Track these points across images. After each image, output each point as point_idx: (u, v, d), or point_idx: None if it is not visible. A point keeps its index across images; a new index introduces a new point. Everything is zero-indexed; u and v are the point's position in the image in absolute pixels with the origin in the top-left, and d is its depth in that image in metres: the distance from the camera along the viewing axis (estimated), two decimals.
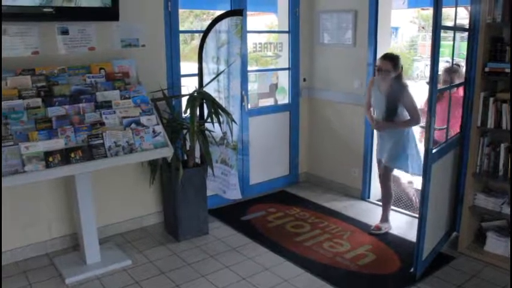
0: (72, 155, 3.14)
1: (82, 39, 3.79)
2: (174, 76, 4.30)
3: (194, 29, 4.60)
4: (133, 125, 3.44)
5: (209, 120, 3.89)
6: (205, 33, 4.17)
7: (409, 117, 3.95)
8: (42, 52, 3.61)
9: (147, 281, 3.43)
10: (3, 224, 3.57)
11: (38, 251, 3.81)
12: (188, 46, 5.19)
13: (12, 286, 3.37)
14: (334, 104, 5.17)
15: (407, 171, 4.21)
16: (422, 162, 3.49)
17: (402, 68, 3.97)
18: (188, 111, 3.81)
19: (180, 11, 4.38)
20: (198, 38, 4.25)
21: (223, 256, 3.80)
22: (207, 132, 4.02)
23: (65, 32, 3.71)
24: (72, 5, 3.56)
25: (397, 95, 3.93)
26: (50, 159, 3.05)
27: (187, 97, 3.91)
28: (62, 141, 3.14)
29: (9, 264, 3.66)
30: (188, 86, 4.22)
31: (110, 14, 3.74)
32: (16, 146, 2.98)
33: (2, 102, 3.12)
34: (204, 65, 4.21)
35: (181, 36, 4.51)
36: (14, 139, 3.01)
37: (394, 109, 3.97)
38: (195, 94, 3.94)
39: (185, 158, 4.10)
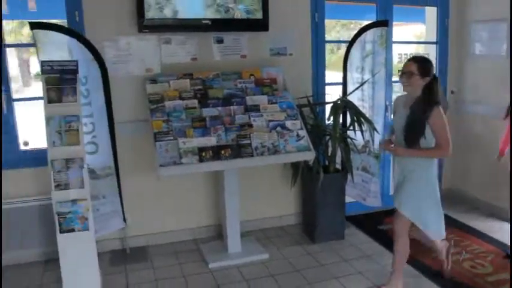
0: (222, 152, 3.40)
1: (235, 48, 4.09)
2: (319, 84, 4.42)
3: (340, 39, 4.67)
4: (278, 128, 3.62)
5: (351, 128, 3.92)
6: (351, 43, 4.22)
7: (436, 145, 2.97)
8: (200, 59, 4.00)
9: (281, 276, 3.59)
10: (164, 209, 4.08)
11: (188, 236, 4.25)
12: (334, 55, 5.27)
13: (166, 262, 3.85)
14: (484, 118, 4.84)
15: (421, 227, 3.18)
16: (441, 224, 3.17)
17: (436, 78, 3.00)
18: (331, 118, 3.89)
19: (327, 20, 4.48)
20: (344, 47, 4.30)
21: (356, 261, 3.80)
22: (348, 139, 4.04)
23: (220, 41, 4.03)
24: (228, 17, 3.86)
25: (423, 112, 2.92)
26: (203, 154, 3.35)
27: (331, 105, 3.99)
28: (213, 139, 3.43)
29: (166, 244, 4.17)
30: (332, 94, 4.32)
31: (260, 25, 4.00)
32: (175, 141, 3.35)
33: (167, 102, 3.52)
34: (348, 74, 4.26)
35: (328, 46, 4.61)
36: (174, 135, 3.37)
37: (416, 131, 2.95)
38: (339, 102, 4.00)
39: (326, 163, 4.17)
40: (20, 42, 4.97)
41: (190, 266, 3.76)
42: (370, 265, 3.72)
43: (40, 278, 3.68)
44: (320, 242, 4.10)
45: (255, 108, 3.69)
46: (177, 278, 3.60)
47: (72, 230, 3.34)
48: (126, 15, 3.78)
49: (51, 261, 3.79)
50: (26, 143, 3.88)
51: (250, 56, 4.11)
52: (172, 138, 3.37)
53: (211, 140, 3.42)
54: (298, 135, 3.62)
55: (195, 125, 3.47)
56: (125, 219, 3.86)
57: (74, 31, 3.61)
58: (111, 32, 3.79)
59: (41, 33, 3.46)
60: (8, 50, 3.82)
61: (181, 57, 3.95)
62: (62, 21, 3.78)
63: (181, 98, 3.61)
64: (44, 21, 3.50)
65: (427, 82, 2.95)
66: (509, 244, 3.95)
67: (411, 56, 3.24)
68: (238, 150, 3.45)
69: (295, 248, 4.06)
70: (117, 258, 3.92)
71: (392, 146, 3.14)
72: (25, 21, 4.79)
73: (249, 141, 3.50)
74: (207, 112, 3.56)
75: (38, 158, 3.72)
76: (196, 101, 3.62)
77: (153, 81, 3.72)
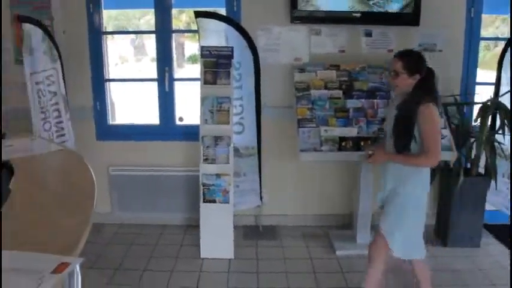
0: (362, 143, 3.46)
1: (383, 42, 4.08)
2: (468, 83, 4.23)
3: (498, 36, 4.37)
4: None
5: (500, 131, 3.71)
6: (510, 40, 3.96)
7: (422, 151, 2.58)
8: (348, 51, 4.07)
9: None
10: (298, 193, 4.30)
11: (317, 222, 4.38)
12: (489, 53, 4.95)
13: (294, 243, 4.05)
14: None
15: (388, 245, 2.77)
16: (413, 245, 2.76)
17: (432, 73, 2.69)
18: (479, 119, 3.72)
19: (484, 15, 4.25)
20: (501, 44, 4.05)
21: (491, 272, 3.61)
22: (496, 143, 3.83)
23: (368, 34, 4.06)
24: (378, 10, 3.86)
25: (411, 113, 2.55)
26: (343, 143, 3.47)
27: (480, 106, 3.80)
28: (355, 130, 3.53)
29: (296, 226, 4.35)
30: (482, 94, 4.09)
31: (411, 19, 3.93)
32: (317, 129, 3.50)
33: (312, 91, 3.68)
34: (502, 74, 4.01)
35: (483, 43, 4.38)
36: (317, 122, 3.51)
37: (404, 134, 2.61)
38: (489, 103, 3.80)
39: (468, 165, 3.99)
40: (178, 28, 5.45)
41: (318, 250, 3.90)
42: (507, 278, 3.52)
43: (181, 240, 4.10)
44: (452, 247, 3.96)
45: None
46: (304, 259, 3.76)
47: (214, 201, 3.68)
48: (280, 6, 3.99)
49: (191, 227, 4.20)
50: (181, 119, 4.30)
51: (397, 51, 4.07)
52: (314, 125, 3.53)
53: (352, 131, 3.51)
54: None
55: (338, 115, 3.58)
56: (261, 198, 4.11)
57: (232, 20, 3.91)
58: (264, 21, 4.03)
59: (204, 21, 3.80)
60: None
61: (329, 48, 4.06)
62: (220, 10, 4.11)
63: (326, 88, 3.75)
64: (206, 9, 3.84)
65: (417, 80, 2.63)
66: None
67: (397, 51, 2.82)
68: (378, 143, 3.49)
69: (427, 248, 3.94)
70: (249, 233, 4.20)
71: (371, 152, 2.83)
72: (185, 9, 5.31)
73: None
74: (351, 103, 3.64)
75: (189, 133, 4.12)
76: (341, 92, 3.73)
77: (301, 70, 3.90)
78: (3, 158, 2.53)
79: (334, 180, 4.30)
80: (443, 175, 4.06)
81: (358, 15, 3.91)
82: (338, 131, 3.49)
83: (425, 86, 2.61)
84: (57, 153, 2.68)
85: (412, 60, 2.65)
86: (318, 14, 3.91)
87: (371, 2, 3.89)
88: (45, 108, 3.78)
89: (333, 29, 4.04)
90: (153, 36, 4.24)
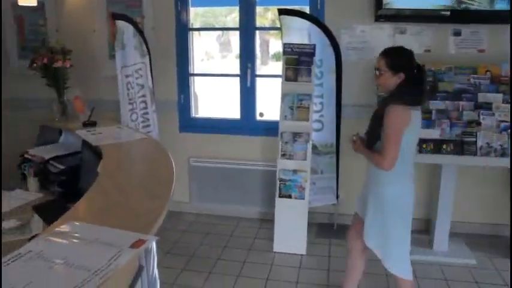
0: (444, 146, 3.34)
1: (473, 41, 3.89)
2: None
3: None
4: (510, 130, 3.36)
5: None
6: None
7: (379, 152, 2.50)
8: (433, 51, 3.93)
9: (487, 286, 3.38)
10: None
11: None
12: None
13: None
14: None
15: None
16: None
17: (421, 70, 2.53)
18: None
19: None
20: None
21: None
22: None
23: (457, 34, 3.89)
24: (469, 8, 3.69)
25: (383, 112, 2.47)
26: (424, 146, 3.36)
27: None
28: (437, 132, 3.41)
29: None
30: None
31: (504, 17, 3.70)
32: None
33: None
34: None
35: None
36: None
37: (372, 132, 2.61)
38: None
39: None
40: (262, 26, 5.55)
41: None
42: None
43: (255, 233, 4.18)
44: None
45: (487, 106, 3.49)
46: (377, 260, 3.62)
47: (289, 197, 3.72)
48: (364, 5, 3.94)
49: (266, 221, 4.28)
50: (261, 114, 4.39)
51: (489, 51, 3.87)
52: None
53: (434, 133, 3.39)
54: None
55: (424, 117, 3.46)
56: (337, 197, 4.09)
57: (315, 18, 3.92)
58: (348, 19, 4.00)
59: (287, 18, 3.85)
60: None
61: (414, 47, 3.81)
62: (303, 7, 4.13)
63: None
64: (290, 7, 3.88)
65: (402, 79, 2.47)
66: None
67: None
68: (461, 147, 3.35)
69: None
70: (323, 231, 4.19)
71: (355, 139, 2.78)
72: (269, 7, 5.38)
73: (474, 139, 3.36)
74: (434, 105, 3.51)
75: (268, 128, 4.19)
76: None
77: None
78: (94, 143, 2.74)
79: (415, 183, 4.14)
80: None
81: (447, 13, 3.76)
82: (423, 133, 3.37)
83: (410, 86, 2.47)
84: (142, 142, 2.86)
85: (396, 58, 2.52)
86: (404, 13, 3.81)
87: (469, 1, 3.72)
88: (133, 99, 4.02)
89: (419, 28, 3.92)
90: (238, 33, 4.36)
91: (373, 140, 2.60)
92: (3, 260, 1.25)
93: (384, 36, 3.96)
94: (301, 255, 3.75)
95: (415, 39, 3.94)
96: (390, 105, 2.44)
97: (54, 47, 3.75)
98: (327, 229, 4.22)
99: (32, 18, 4.72)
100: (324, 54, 3.88)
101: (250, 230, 4.23)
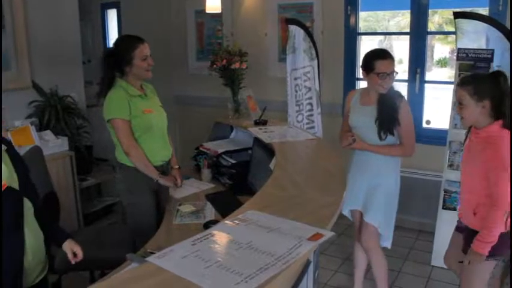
0: None
1: None
2: None
3: None
4: None
5: None
6: None
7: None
8: None
9: None
10: None
11: None
12: None
13: None
14: None
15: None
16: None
17: None
18: None
19: None
20: None
21: None
22: None
23: None
24: None
25: (394, 106, 2.75)
26: None
27: None
28: None
29: None
30: None
31: None
32: None
33: None
34: None
35: None
36: None
37: (389, 126, 2.78)
38: None
39: None
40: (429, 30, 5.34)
41: None
42: None
43: (412, 243, 4.08)
44: None
45: None
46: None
47: (454, 209, 3.54)
48: None
49: (424, 232, 4.12)
50: (428, 122, 4.23)
51: None
52: None
53: None
54: None
55: None
56: None
57: (495, 20, 3.65)
58: None
59: (463, 21, 3.65)
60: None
61: None
62: (479, 9, 3.87)
63: None
64: (466, 9, 3.67)
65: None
66: None
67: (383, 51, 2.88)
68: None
69: None
70: None
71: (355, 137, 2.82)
72: (438, 9, 5.15)
73: None
74: None
75: (435, 136, 4.03)
76: None
77: None
78: (267, 141, 2.93)
79: None
80: None
81: None
82: None
83: None
84: (311, 142, 2.98)
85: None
86: None
87: None
88: (300, 101, 4.18)
89: None
90: (401, 37, 4.25)
91: (390, 130, 2.79)
92: (191, 239, 1.43)
93: None
94: None
95: None
96: (403, 101, 2.80)
97: (232, 50, 4.07)
98: None
99: (210, 24, 5.18)
100: (503, 60, 3.59)
101: (407, 239, 4.11)
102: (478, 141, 2.31)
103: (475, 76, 2.49)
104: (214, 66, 4.01)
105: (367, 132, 2.83)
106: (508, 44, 3.57)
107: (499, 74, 2.30)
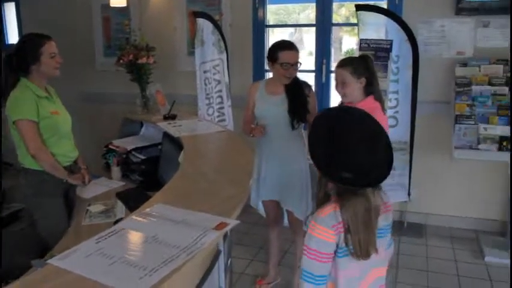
0: None
1: None
2: None
3: None
4: None
5: None
6: None
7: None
8: None
9: None
10: (449, 193, 4.10)
11: (467, 225, 4.15)
12: None
13: (440, 244, 3.94)
14: None
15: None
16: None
17: None
18: None
19: None
20: None
21: None
22: None
23: None
24: None
25: (303, 95, 2.89)
26: (504, 143, 3.23)
27: None
28: None
29: (443, 227, 4.20)
30: None
31: None
32: (476, 126, 3.33)
33: (474, 87, 3.50)
34: None
35: None
36: (476, 120, 3.34)
37: (301, 116, 2.88)
38: None
39: None
40: (337, 22, 5.53)
41: (464, 254, 3.72)
42: None
43: None
44: None
45: None
46: (448, 260, 3.64)
47: None
48: None
49: None
50: None
51: None
52: (473, 122, 3.36)
53: None
54: None
55: (501, 113, 3.36)
56: (409, 194, 4.02)
57: (393, 13, 3.87)
58: (427, 14, 3.93)
59: (364, 14, 3.83)
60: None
61: (498, 41, 3.78)
62: (380, 3, 4.09)
63: (490, 84, 3.53)
64: (367, 3, 3.86)
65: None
66: None
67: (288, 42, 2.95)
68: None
69: None
70: (393, 228, 4.11)
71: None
72: (344, 3, 5.36)
73: None
74: None
75: None
76: (506, 89, 3.48)
77: (463, 64, 3.73)
78: (175, 135, 2.90)
79: (490, 182, 3.99)
80: None
81: None
82: (500, 130, 3.27)
83: None
84: (220, 134, 2.99)
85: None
86: (487, 5, 3.68)
87: None
88: (210, 94, 4.18)
89: (504, 21, 3.72)
90: (311, 30, 4.39)
91: (298, 124, 2.91)
92: (95, 237, 1.39)
93: (465, 30, 3.85)
94: None
95: (500, 33, 3.78)
96: (308, 89, 2.98)
97: (139, 44, 3.98)
98: (398, 226, 4.15)
99: (117, 18, 5.03)
100: (401, 50, 3.82)
101: None
102: None
103: (351, 58, 2.72)
104: (121, 61, 3.91)
105: (277, 122, 2.88)
106: (405, 35, 3.81)
107: (367, 57, 2.66)
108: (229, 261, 2.15)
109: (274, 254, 3.28)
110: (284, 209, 3.11)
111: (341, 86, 2.51)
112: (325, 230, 1.51)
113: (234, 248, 3.75)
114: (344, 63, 2.54)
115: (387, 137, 1.53)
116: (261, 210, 3.20)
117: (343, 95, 2.54)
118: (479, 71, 3.63)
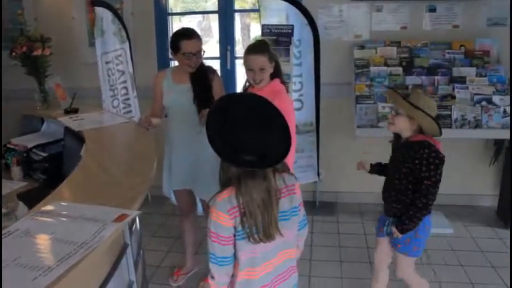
0: None
1: (447, 17, 3.96)
2: None
3: None
4: (483, 103, 3.48)
5: None
6: None
7: None
8: (410, 27, 4.01)
9: (463, 253, 3.52)
10: (354, 170, 4.16)
11: (373, 199, 4.20)
12: None
13: (350, 220, 4.15)
14: None
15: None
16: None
17: None
18: None
19: None
20: None
21: None
22: None
23: (432, 10, 3.96)
24: None
25: (207, 82, 2.87)
26: None
27: None
28: None
29: (353, 203, 4.43)
30: None
31: None
32: (375, 105, 3.50)
33: (372, 68, 3.69)
34: None
35: None
36: (375, 99, 3.51)
37: (206, 104, 2.74)
38: None
39: None
40: (243, 8, 5.57)
41: (372, 225, 3.87)
42: None
43: None
44: None
45: (461, 80, 3.60)
46: (358, 235, 3.85)
47: None
48: None
49: None
50: None
51: (463, 26, 3.94)
52: (372, 102, 3.54)
53: None
54: (505, 111, 3.43)
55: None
56: (318, 174, 4.17)
57: None
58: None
59: (266, 0, 3.88)
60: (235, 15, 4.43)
61: (391, 25, 4.00)
62: None
63: (386, 65, 3.73)
64: None
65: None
66: None
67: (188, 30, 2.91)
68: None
69: (485, 229, 3.88)
70: (306, 208, 4.24)
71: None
72: None
73: (449, 113, 3.47)
74: (410, 80, 3.61)
75: None
76: (400, 69, 3.70)
77: (361, 47, 3.91)
78: (77, 129, 2.78)
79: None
80: (507, 154, 3.93)
81: None
82: None
83: None
84: (124, 125, 2.90)
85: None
86: None
87: None
88: (114, 86, 4.04)
89: (396, 5, 3.98)
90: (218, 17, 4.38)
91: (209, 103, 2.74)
92: None
93: (361, 14, 4.02)
94: None
95: (392, 16, 4.00)
96: (212, 73, 2.92)
97: (33, 35, 3.74)
98: (310, 206, 4.30)
99: (9, 8, 4.68)
100: (302, 34, 3.92)
101: None
102: (266, 95, 2.54)
103: (260, 44, 2.68)
104: (14, 54, 3.66)
105: (186, 111, 2.84)
106: (305, 20, 3.91)
107: (266, 42, 2.70)
108: (140, 254, 2.10)
109: (189, 243, 3.25)
110: (198, 198, 3.09)
111: (259, 72, 2.52)
112: (221, 214, 1.54)
113: (150, 240, 3.69)
114: (259, 49, 2.55)
115: (282, 117, 1.56)
116: (173, 199, 3.16)
117: (260, 81, 2.55)
118: (376, 53, 3.83)
